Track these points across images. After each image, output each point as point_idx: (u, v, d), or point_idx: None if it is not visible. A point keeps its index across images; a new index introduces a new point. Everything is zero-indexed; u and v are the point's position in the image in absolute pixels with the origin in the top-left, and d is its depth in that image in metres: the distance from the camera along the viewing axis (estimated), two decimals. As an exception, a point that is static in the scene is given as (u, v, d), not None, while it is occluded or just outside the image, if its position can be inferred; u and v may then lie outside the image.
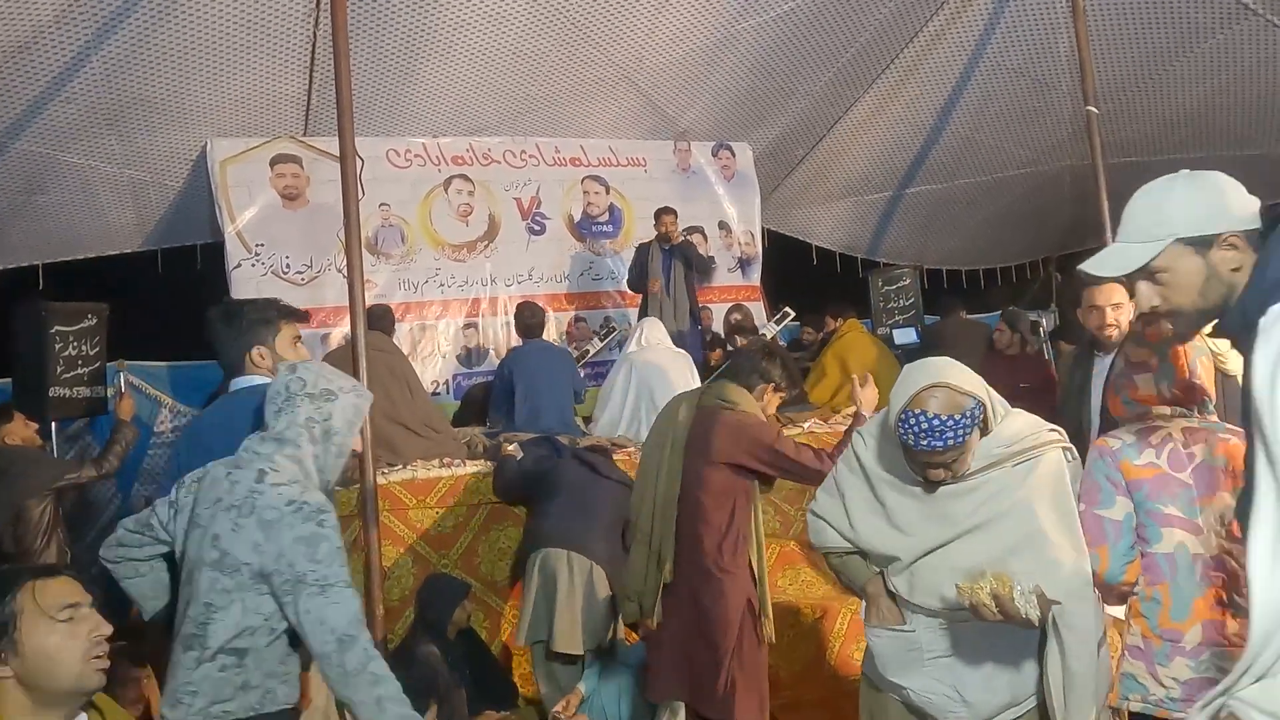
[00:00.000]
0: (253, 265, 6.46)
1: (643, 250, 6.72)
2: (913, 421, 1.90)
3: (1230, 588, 1.97)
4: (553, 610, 3.60)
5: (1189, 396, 2.12)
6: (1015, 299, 9.73)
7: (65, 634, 1.58)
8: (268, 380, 2.36)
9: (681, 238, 6.63)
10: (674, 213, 6.67)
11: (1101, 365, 3.25)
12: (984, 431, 2.00)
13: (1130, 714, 2.12)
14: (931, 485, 2.03)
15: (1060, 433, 2.10)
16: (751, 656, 2.95)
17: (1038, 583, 1.84)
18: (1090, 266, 1.68)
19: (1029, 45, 6.64)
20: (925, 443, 1.90)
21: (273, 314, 2.56)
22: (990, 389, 2.04)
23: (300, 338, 2.62)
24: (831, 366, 6.44)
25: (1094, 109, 5.30)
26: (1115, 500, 2.07)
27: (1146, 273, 1.59)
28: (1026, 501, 1.99)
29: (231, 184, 6.43)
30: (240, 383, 2.50)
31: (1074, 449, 2.11)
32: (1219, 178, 1.60)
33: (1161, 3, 5.96)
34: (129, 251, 6.88)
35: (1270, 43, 6.12)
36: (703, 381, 4.45)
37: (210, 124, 6.17)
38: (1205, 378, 2.14)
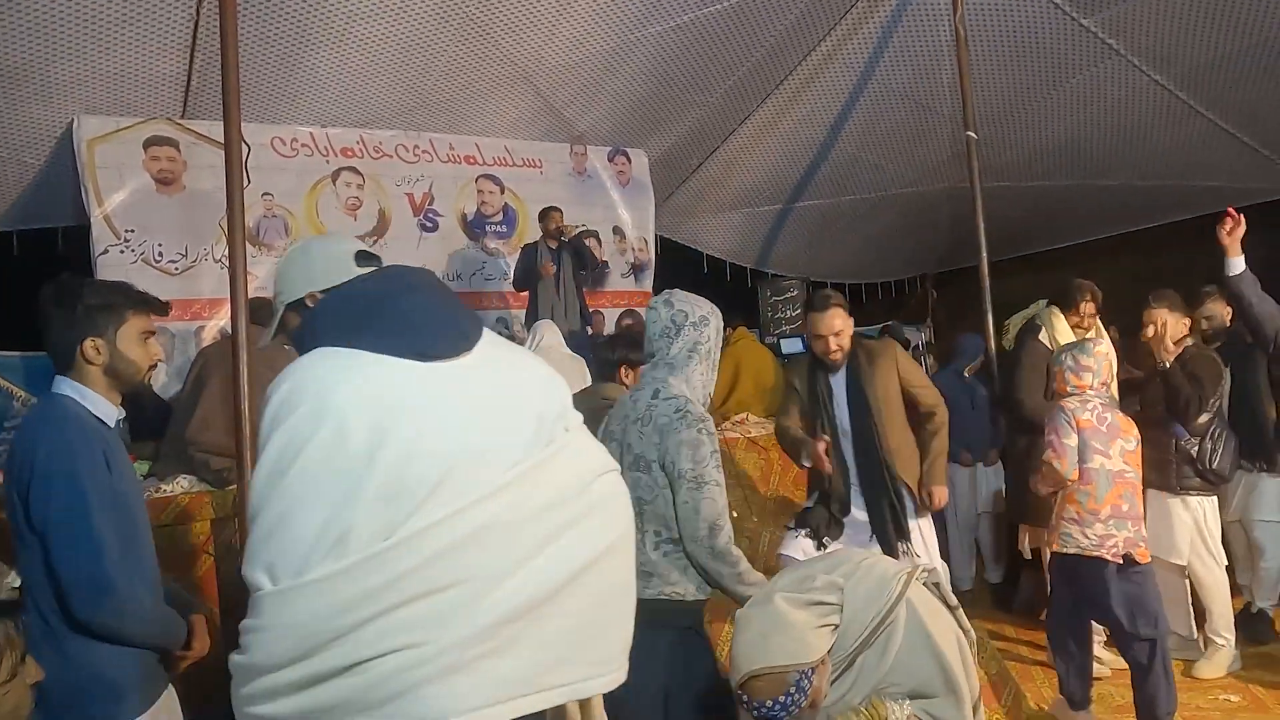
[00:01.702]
0: (121, 252, 6.10)
1: (530, 250, 6.70)
2: (748, 704, 1.94)
3: (1125, 489, 3.56)
4: None
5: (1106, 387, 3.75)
6: (894, 313, 10.13)
7: None
8: (79, 393, 2.11)
9: (576, 231, 6.65)
10: (560, 210, 6.72)
11: (836, 380, 3.62)
12: (836, 627, 2.00)
13: (1065, 554, 3.61)
14: None
15: (906, 572, 2.10)
16: None
17: (905, 704, 1.94)
18: None
19: (914, 70, 6.91)
20: None
21: (119, 300, 2.19)
22: (828, 577, 2.02)
23: (153, 333, 2.25)
24: (723, 373, 6.55)
25: (973, 134, 5.57)
26: (1071, 435, 3.58)
27: None
28: (895, 666, 2.01)
29: (100, 165, 6.04)
30: (57, 384, 2.17)
31: (935, 570, 2.19)
32: None
33: (1036, 38, 6.30)
34: (-19, 232, 6.40)
35: (1130, 82, 6.55)
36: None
37: (78, 99, 5.78)
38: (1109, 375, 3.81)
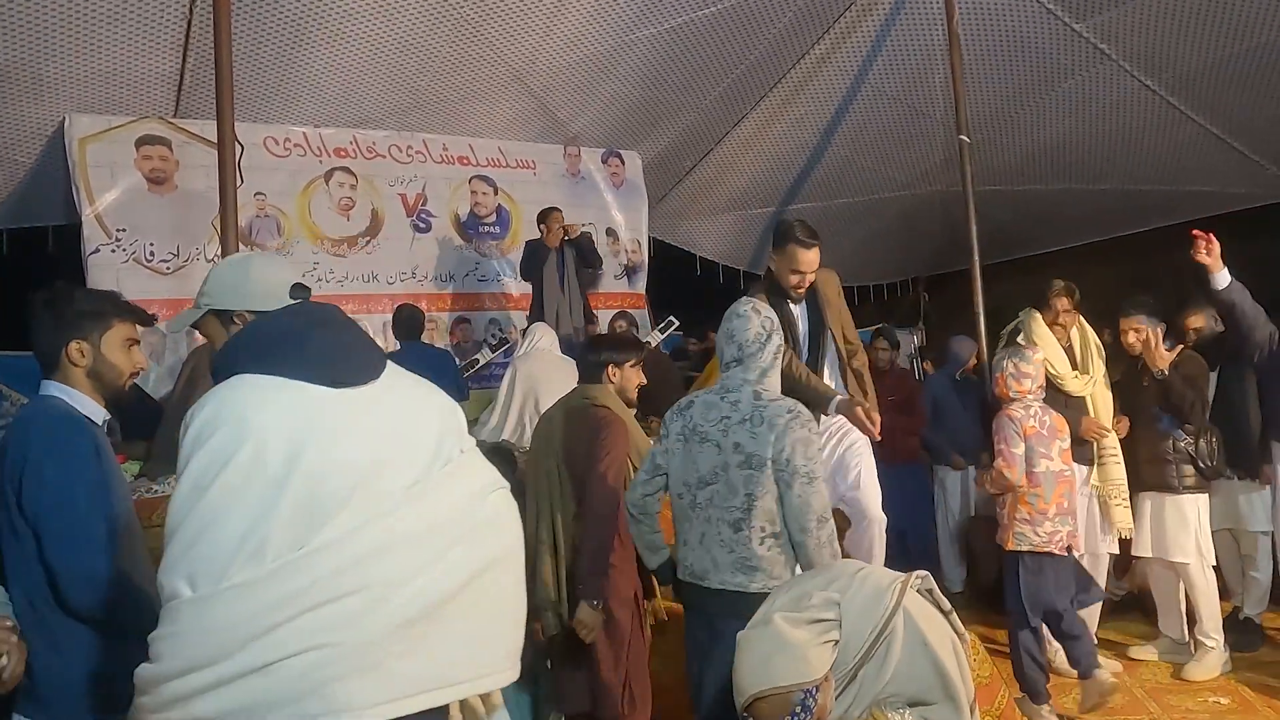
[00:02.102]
0: (113, 251, 6.07)
1: (533, 241, 6.69)
2: None
3: (1064, 486, 3.92)
4: None
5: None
6: (885, 316, 10.14)
7: None
8: (68, 395, 2.16)
9: (579, 231, 6.65)
10: (559, 210, 6.71)
11: (799, 309, 3.86)
12: (837, 643, 1.99)
13: (1020, 552, 3.88)
14: None
15: (900, 581, 2.09)
16: (638, 657, 2.99)
17: (906, 712, 1.95)
18: None
19: (907, 74, 6.94)
20: None
21: (107, 307, 2.28)
22: (825, 595, 2.03)
23: (137, 341, 2.34)
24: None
25: (965, 138, 5.59)
26: (1019, 443, 3.88)
27: None
28: (895, 677, 2.00)
29: (91, 164, 6.02)
30: (44, 387, 2.22)
31: (927, 575, 2.14)
32: None
33: (1029, 42, 6.34)
34: (-30, 231, 6.38)
35: (1122, 87, 6.59)
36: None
37: (70, 98, 5.76)
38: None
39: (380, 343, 6.88)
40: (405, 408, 1.70)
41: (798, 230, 3.69)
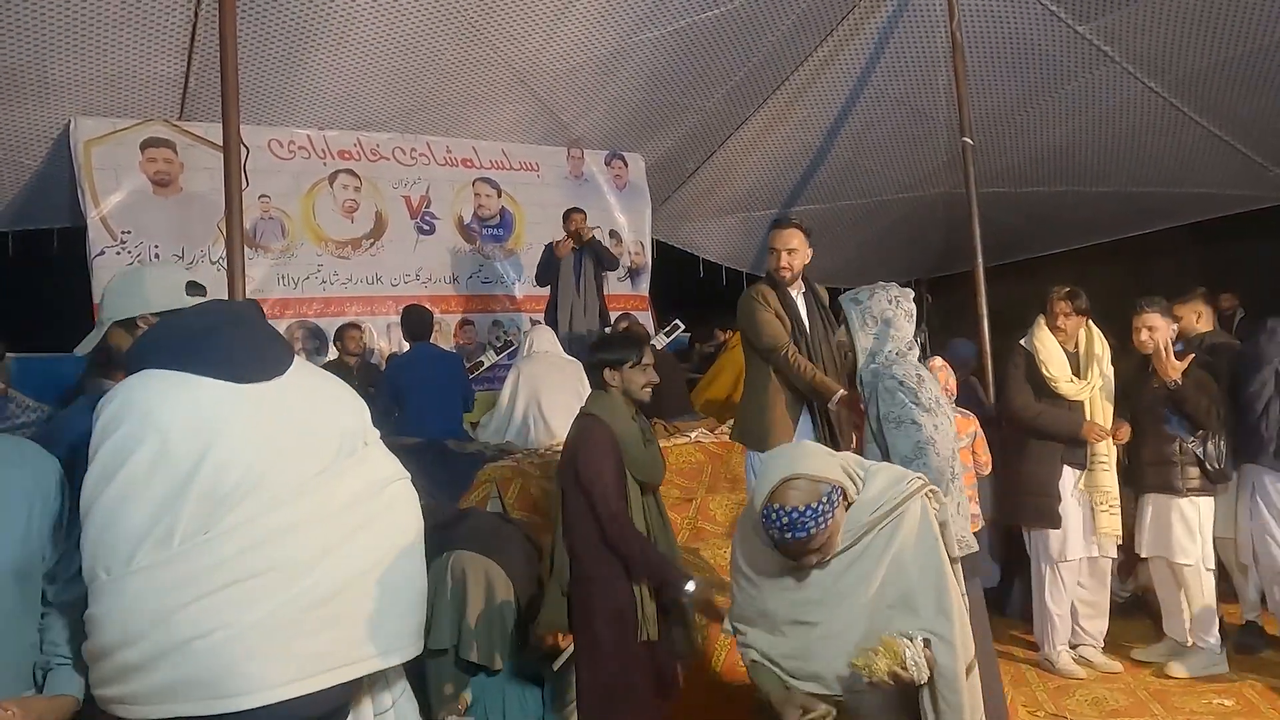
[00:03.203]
0: (117, 253, 6.09)
1: (550, 247, 6.68)
2: (774, 517, 1.97)
3: (967, 483, 3.63)
4: (463, 616, 3.17)
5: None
6: (889, 318, 10.13)
7: None
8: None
9: (591, 235, 6.64)
10: (583, 212, 6.69)
11: (800, 297, 4.03)
12: (848, 505, 2.07)
13: None
14: (806, 572, 2.09)
15: (922, 479, 2.18)
16: (623, 672, 2.89)
17: (916, 636, 1.96)
18: None
19: (910, 77, 6.94)
20: (789, 535, 1.96)
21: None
22: (848, 461, 2.11)
23: None
24: (726, 376, 6.54)
25: (969, 140, 5.59)
26: None
27: None
28: (898, 559, 2.06)
29: (97, 166, 6.05)
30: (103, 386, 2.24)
31: (938, 491, 2.21)
32: None
33: (1032, 44, 6.34)
34: (-25, 232, 6.41)
35: (1126, 88, 6.59)
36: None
37: (75, 101, 5.79)
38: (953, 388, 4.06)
39: (384, 343, 6.90)
40: (309, 402, 1.79)
41: (778, 218, 3.98)
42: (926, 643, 1.99)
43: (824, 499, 1.96)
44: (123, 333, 1.97)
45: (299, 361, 1.86)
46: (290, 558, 1.63)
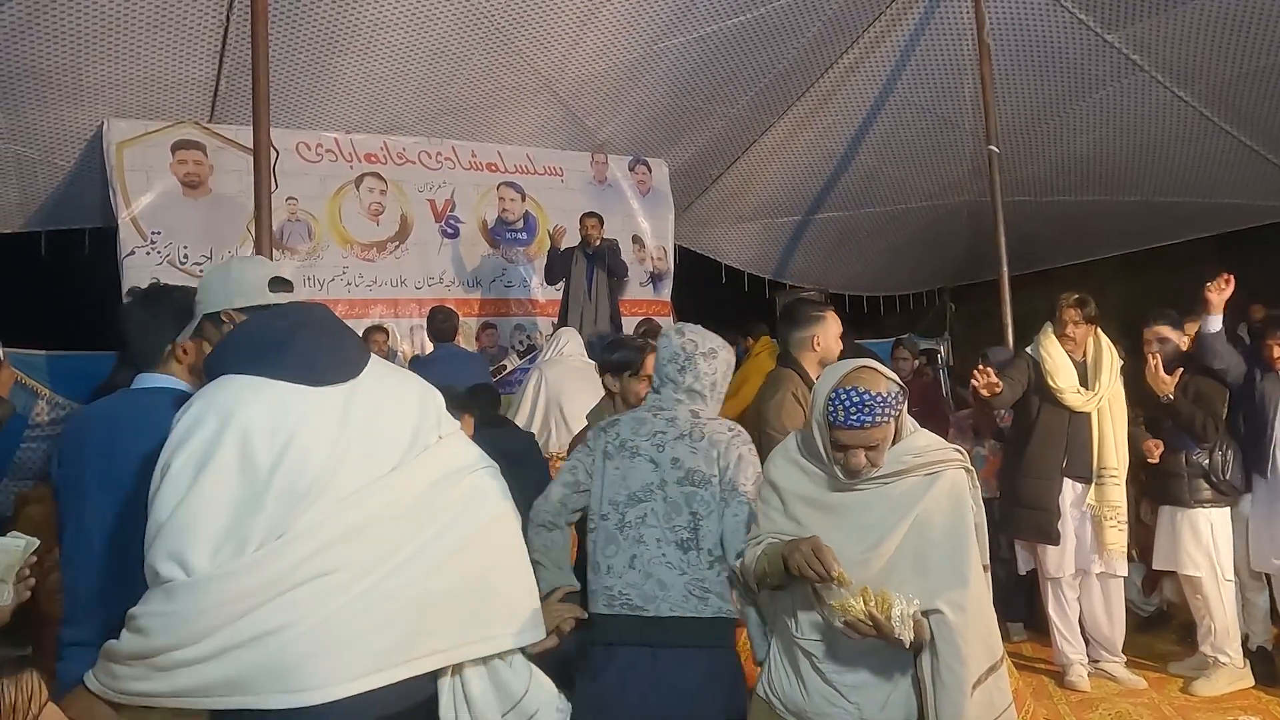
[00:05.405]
0: (147, 254, 6.17)
1: (565, 251, 6.71)
2: (843, 397, 1.96)
3: None
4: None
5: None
6: (910, 326, 10.11)
7: None
8: (180, 385, 2.15)
9: (602, 242, 6.66)
10: (598, 217, 6.71)
11: None
12: (896, 437, 2.07)
13: None
14: (842, 490, 2.06)
15: (962, 453, 2.17)
16: None
17: (919, 604, 1.90)
18: None
19: (936, 85, 6.92)
20: (855, 418, 1.95)
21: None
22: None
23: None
24: (751, 385, 6.52)
25: (995, 148, 5.58)
26: None
27: None
28: (926, 514, 2.03)
29: (128, 168, 6.13)
30: (150, 380, 2.19)
31: (974, 472, 2.18)
32: None
33: (1059, 52, 6.31)
34: (10, 232, 6.49)
35: (1153, 97, 6.54)
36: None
37: (108, 103, 5.88)
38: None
39: (407, 346, 6.95)
40: (383, 402, 1.80)
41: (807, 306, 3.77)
42: (926, 615, 1.93)
43: (894, 394, 1.98)
44: (210, 326, 1.99)
45: (374, 360, 1.88)
46: (360, 557, 1.65)
